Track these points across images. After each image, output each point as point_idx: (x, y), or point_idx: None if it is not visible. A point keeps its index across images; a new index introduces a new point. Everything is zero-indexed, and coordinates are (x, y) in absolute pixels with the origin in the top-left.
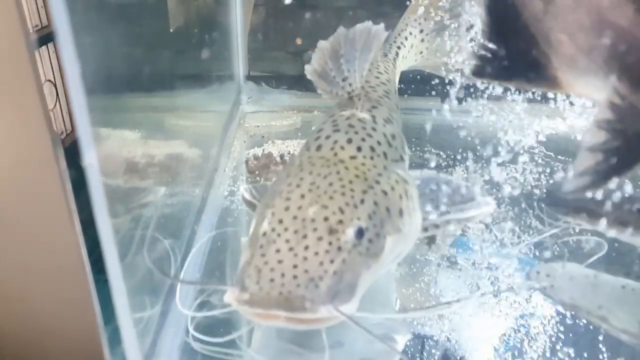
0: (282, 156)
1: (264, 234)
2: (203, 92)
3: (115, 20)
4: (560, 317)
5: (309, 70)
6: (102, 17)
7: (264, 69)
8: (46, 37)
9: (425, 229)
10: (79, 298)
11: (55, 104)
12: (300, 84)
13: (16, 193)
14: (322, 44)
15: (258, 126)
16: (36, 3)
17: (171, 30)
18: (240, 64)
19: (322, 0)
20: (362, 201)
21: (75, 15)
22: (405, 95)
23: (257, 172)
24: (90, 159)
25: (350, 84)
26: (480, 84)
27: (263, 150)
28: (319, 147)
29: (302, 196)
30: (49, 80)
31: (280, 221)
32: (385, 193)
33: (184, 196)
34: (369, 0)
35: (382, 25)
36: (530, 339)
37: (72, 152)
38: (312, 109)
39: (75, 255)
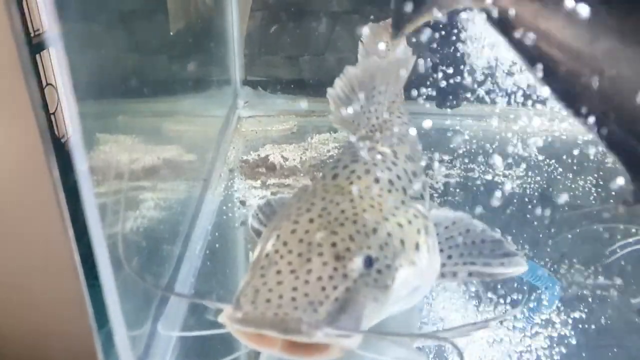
0: (272, 164)
1: (267, 255)
2: (199, 97)
3: (112, 26)
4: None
5: (331, 94)
6: (99, 23)
7: (261, 73)
8: (47, 41)
9: (442, 275)
10: (73, 302)
11: (57, 108)
12: (297, 88)
13: (11, 197)
14: (352, 70)
15: (254, 130)
16: (37, 7)
17: (171, 33)
18: (236, 69)
19: (318, 6)
20: (375, 231)
21: (69, 21)
22: None
23: (251, 175)
24: (82, 166)
25: (377, 117)
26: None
27: (258, 155)
28: (335, 176)
29: (311, 220)
30: (50, 84)
31: (285, 243)
32: (400, 225)
33: (179, 201)
34: (364, 5)
35: (408, 51)
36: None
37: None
38: (308, 113)
39: (69, 260)
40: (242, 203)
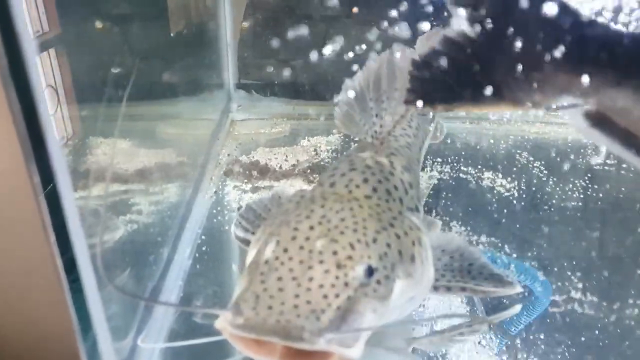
0: (264, 167)
1: (266, 261)
2: (193, 101)
3: (109, 30)
4: None
5: (348, 86)
6: (97, 27)
7: (254, 77)
8: (48, 42)
9: (435, 288)
10: (55, 307)
11: (57, 109)
12: (290, 91)
13: None
14: (372, 64)
15: (247, 134)
16: (37, 9)
17: (171, 35)
18: (230, 73)
19: (311, 10)
20: (375, 240)
21: (67, 24)
22: None
23: (242, 179)
24: (63, 170)
25: (381, 125)
26: None
27: (251, 158)
28: (332, 184)
29: (312, 228)
30: (50, 86)
31: (285, 250)
32: (398, 236)
33: (169, 205)
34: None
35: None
36: None
37: None
38: (301, 116)
39: (51, 265)
40: (240, 209)
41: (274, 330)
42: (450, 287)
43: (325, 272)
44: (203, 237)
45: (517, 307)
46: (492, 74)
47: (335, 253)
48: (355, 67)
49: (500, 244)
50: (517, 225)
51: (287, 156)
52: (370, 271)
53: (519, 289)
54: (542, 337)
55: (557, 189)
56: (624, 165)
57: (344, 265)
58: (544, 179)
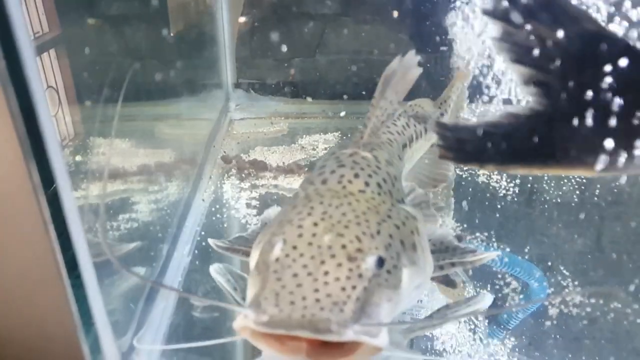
0: (263, 165)
1: (277, 259)
2: (191, 101)
3: (107, 31)
4: None
5: (391, 67)
6: (96, 29)
7: (252, 76)
8: (48, 43)
9: (441, 267)
10: (57, 304)
11: (58, 110)
12: (288, 90)
13: None
14: (412, 58)
15: (245, 133)
16: (37, 10)
17: (172, 35)
18: (228, 72)
19: (308, 8)
20: (379, 232)
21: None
22: None
23: (241, 177)
24: (63, 175)
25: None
26: None
27: (249, 156)
28: (324, 181)
29: (315, 224)
30: (51, 87)
31: (295, 247)
32: (397, 227)
33: (169, 203)
34: (354, 7)
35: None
36: None
37: None
38: (299, 115)
39: (53, 263)
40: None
41: (301, 325)
42: (442, 265)
43: (338, 266)
44: (202, 233)
45: (489, 296)
46: (571, 138)
47: (344, 247)
48: (354, 67)
49: (495, 240)
50: (513, 221)
51: (285, 154)
52: (380, 262)
53: (497, 253)
54: (537, 332)
55: (553, 185)
56: None
57: (355, 257)
58: (539, 175)
